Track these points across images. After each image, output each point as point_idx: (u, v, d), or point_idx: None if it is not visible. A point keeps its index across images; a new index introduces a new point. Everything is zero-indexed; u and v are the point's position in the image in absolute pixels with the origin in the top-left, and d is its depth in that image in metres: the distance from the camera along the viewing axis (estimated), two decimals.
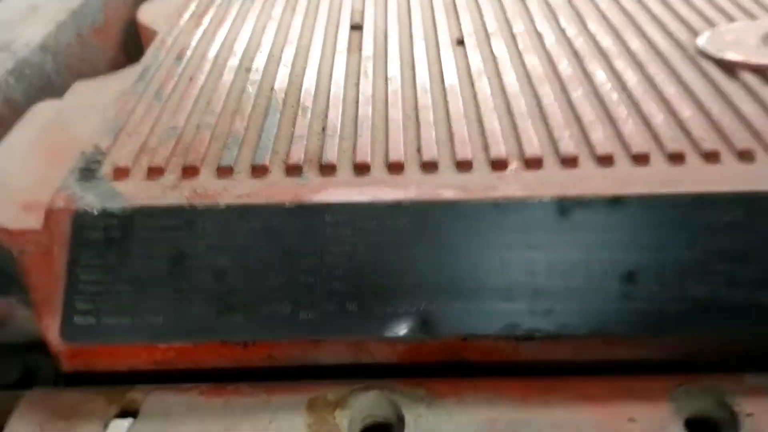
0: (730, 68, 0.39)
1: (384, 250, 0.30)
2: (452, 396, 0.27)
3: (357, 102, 0.39)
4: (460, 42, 0.45)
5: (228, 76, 0.41)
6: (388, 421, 0.27)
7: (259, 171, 0.33)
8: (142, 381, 0.30)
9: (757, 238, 0.29)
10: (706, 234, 0.30)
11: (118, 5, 0.65)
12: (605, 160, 0.32)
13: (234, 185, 0.32)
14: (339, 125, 0.36)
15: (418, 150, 0.34)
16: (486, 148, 0.34)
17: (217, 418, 0.27)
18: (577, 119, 0.35)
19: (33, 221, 0.32)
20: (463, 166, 0.33)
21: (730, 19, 0.46)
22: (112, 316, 0.30)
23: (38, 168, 0.37)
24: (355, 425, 0.27)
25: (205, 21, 0.49)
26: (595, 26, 0.45)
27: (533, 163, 0.33)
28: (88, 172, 0.34)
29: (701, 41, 0.42)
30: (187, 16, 0.51)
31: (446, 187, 0.32)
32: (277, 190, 0.32)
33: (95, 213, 0.31)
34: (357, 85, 0.41)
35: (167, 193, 0.32)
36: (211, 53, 0.44)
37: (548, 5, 0.49)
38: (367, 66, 0.42)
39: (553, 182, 0.31)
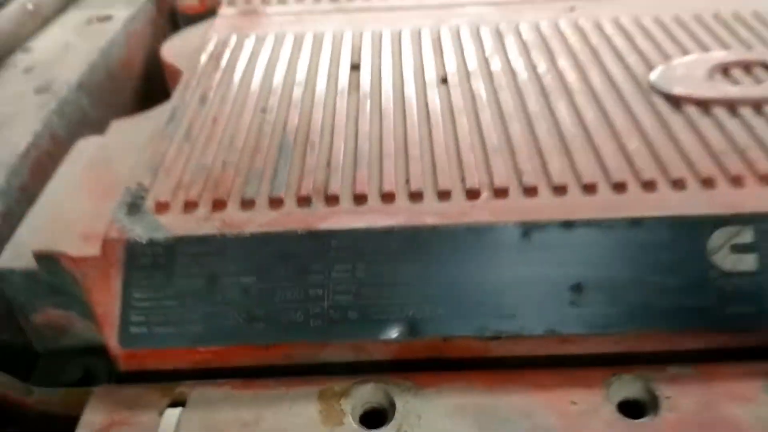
0: (676, 102, 0.45)
1: (378, 268, 0.37)
2: (434, 386, 0.34)
3: (356, 137, 0.46)
4: (444, 80, 0.51)
5: (246, 117, 0.48)
6: (383, 406, 0.34)
7: (275, 203, 0.40)
8: (184, 378, 0.37)
9: (681, 255, 0.36)
10: (640, 252, 0.36)
11: (138, 39, 0.72)
12: (560, 190, 0.39)
13: (256, 216, 0.39)
14: (341, 159, 0.43)
15: (407, 181, 0.41)
16: (462, 179, 0.41)
17: (247, 407, 0.34)
18: (539, 153, 0.42)
19: (92, 249, 0.39)
20: (443, 195, 0.40)
21: (685, 52, 0.52)
22: (160, 326, 0.37)
23: (89, 202, 0.44)
24: (357, 411, 0.34)
25: (222, 62, 0.56)
26: (563, 62, 0.52)
27: (501, 193, 0.39)
28: (134, 206, 0.41)
29: (653, 76, 0.48)
30: (205, 56, 0.58)
31: (429, 214, 0.39)
32: (291, 219, 0.39)
33: (143, 242, 0.38)
34: (356, 121, 0.47)
35: (201, 224, 0.39)
36: (231, 95, 0.51)
37: (523, 42, 0.55)
38: (365, 104, 0.49)
39: (516, 209, 0.38)
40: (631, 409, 0.33)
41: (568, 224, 0.37)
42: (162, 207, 0.40)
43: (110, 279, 0.38)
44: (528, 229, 0.37)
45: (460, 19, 0.61)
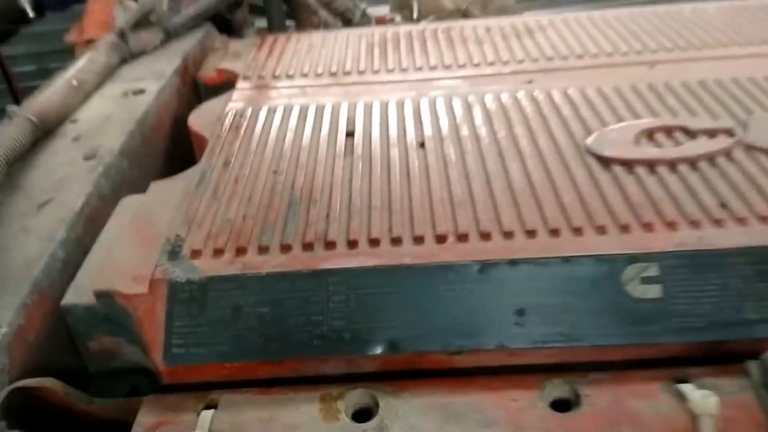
0: (606, 162, 0.56)
1: (366, 299, 0.47)
2: (409, 390, 0.44)
3: (350, 193, 0.56)
4: (422, 144, 0.63)
5: (261, 178, 0.59)
6: (369, 406, 0.44)
7: (285, 248, 0.51)
8: (215, 388, 0.47)
9: (601, 285, 0.46)
10: (569, 283, 0.46)
11: (167, 107, 0.84)
12: (509, 235, 0.49)
13: (270, 259, 0.50)
14: (338, 212, 0.54)
15: (390, 229, 0.52)
16: (433, 227, 0.51)
17: (265, 408, 0.44)
18: (494, 205, 0.53)
19: (141, 288, 0.50)
20: (418, 240, 0.50)
21: (620, 119, 0.63)
22: (196, 347, 0.47)
23: (135, 250, 0.55)
24: (349, 410, 0.43)
25: (241, 132, 0.68)
26: (518, 129, 0.63)
27: (463, 238, 0.50)
28: (174, 253, 0.51)
29: (589, 140, 0.59)
30: (226, 126, 0.69)
31: (406, 255, 0.49)
32: (298, 261, 0.50)
33: (182, 282, 0.49)
34: (350, 180, 0.58)
35: (227, 266, 0.50)
36: (248, 159, 0.62)
37: (487, 111, 0.67)
38: (357, 165, 0.60)
39: (475, 251, 0.49)
40: (560, 405, 0.42)
41: (514, 262, 0.47)
42: (196, 253, 0.51)
43: (156, 311, 0.49)
44: (483, 266, 0.48)
45: (436, 91, 0.73)
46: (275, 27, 1.02)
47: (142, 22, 0.93)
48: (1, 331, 0.47)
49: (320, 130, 0.67)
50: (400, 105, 0.70)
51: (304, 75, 0.82)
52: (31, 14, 1.15)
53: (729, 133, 0.59)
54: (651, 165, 0.55)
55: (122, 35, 0.88)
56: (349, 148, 0.63)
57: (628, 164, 0.56)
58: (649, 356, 0.45)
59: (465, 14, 1.26)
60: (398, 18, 1.30)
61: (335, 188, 0.57)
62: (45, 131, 0.71)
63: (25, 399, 0.46)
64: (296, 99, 0.75)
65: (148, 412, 0.45)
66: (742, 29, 0.80)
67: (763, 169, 0.54)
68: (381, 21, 1.28)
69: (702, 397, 0.40)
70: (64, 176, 0.65)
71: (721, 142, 0.57)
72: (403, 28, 0.94)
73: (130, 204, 0.62)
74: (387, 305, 0.47)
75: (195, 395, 0.46)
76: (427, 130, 0.65)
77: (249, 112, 0.72)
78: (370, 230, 0.52)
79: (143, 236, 0.56)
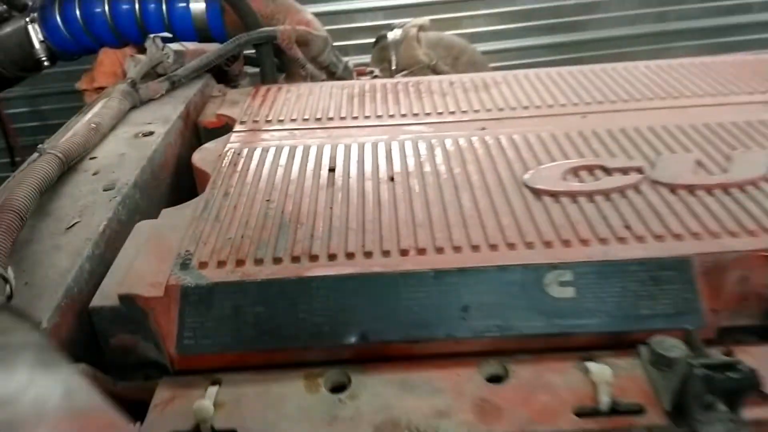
0: (538, 194, 0.70)
1: (343, 300, 0.59)
2: (376, 370, 0.55)
3: (331, 218, 0.69)
4: (392, 179, 0.75)
5: (256, 205, 0.71)
6: (344, 382, 0.55)
7: (277, 260, 0.62)
8: (218, 373, 0.57)
9: (529, 288, 0.58)
10: (504, 286, 0.59)
11: (172, 147, 0.96)
12: (458, 249, 0.62)
13: (264, 269, 0.61)
14: (320, 232, 0.66)
15: (363, 245, 0.64)
16: (398, 243, 0.63)
17: (260, 384, 0.55)
18: (448, 226, 0.65)
19: (158, 292, 0.60)
20: (386, 253, 0.62)
21: (552, 159, 0.77)
22: (203, 338, 0.58)
23: (151, 263, 0.65)
24: (327, 384, 0.54)
25: (238, 167, 0.80)
26: (470, 167, 0.76)
27: (421, 251, 0.62)
28: (185, 265, 0.63)
29: (526, 176, 0.73)
30: (225, 163, 0.82)
31: (376, 265, 0.61)
32: (287, 270, 0.61)
33: (192, 286, 0.60)
34: (331, 208, 0.71)
35: (229, 275, 0.61)
36: (245, 190, 0.75)
37: (446, 153, 0.80)
38: (337, 195, 0.73)
39: (431, 262, 0.61)
40: (493, 379, 0.54)
41: (461, 270, 0.60)
42: (203, 265, 0.62)
43: (170, 311, 0.60)
44: (437, 273, 0.60)
45: (405, 135, 0.86)
46: (268, 78, 1.16)
47: (150, 73, 1.06)
48: (42, 327, 0.58)
49: (306, 166, 0.79)
50: (375, 146, 0.83)
51: (293, 120, 0.95)
52: (46, 63, 1.27)
53: (639, 170, 0.72)
54: (573, 196, 0.69)
55: (133, 85, 1.01)
56: (331, 181, 0.76)
57: (555, 195, 0.69)
58: (564, 344, 0.57)
59: (434, 69, 1.42)
60: (377, 71, 1.46)
61: (318, 213, 0.69)
62: (69, 166, 0.82)
63: None
64: (286, 141, 0.88)
65: (164, 390, 0.55)
66: (661, 85, 0.96)
67: (663, 199, 0.67)
68: (361, 72, 1.43)
69: (599, 369, 0.52)
70: (88, 204, 0.76)
71: (632, 178, 0.71)
72: (379, 81, 1.08)
73: (143, 227, 0.73)
74: (359, 305, 0.59)
75: (203, 376, 0.57)
76: (396, 167, 0.78)
77: (245, 151, 0.85)
78: (347, 246, 0.64)
79: (158, 252, 0.67)
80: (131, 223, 0.75)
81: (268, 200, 0.73)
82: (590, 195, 0.69)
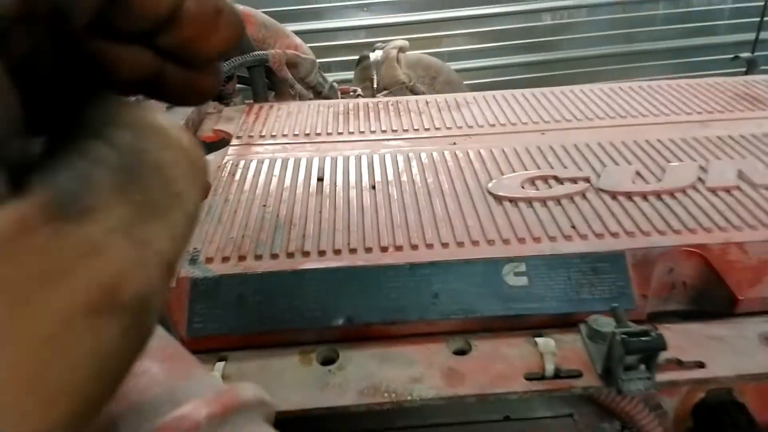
0: (499, 200, 0.81)
1: (332, 288, 0.69)
2: (360, 347, 0.65)
3: (320, 221, 0.79)
4: (373, 187, 0.86)
5: (254, 210, 0.81)
6: (333, 357, 0.64)
7: (274, 256, 0.72)
8: (225, 351, 0.67)
9: (489, 277, 0.69)
10: (468, 276, 0.69)
11: None
12: (430, 246, 0.72)
13: (263, 264, 0.71)
14: (311, 233, 0.76)
15: (348, 243, 0.74)
16: (379, 241, 0.74)
17: (261, 359, 0.64)
18: (422, 227, 0.76)
19: (170, 284, 0.70)
20: (368, 250, 0.72)
21: (513, 170, 0.88)
22: (211, 323, 0.68)
23: None
24: (319, 358, 0.64)
25: (236, 177, 0.90)
26: (442, 176, 0.87)
27: (399, 248, 0.72)
28: (193, 260, 0.72)
29: (490, 185, 0.84)
30: (225, 173, 0.92)
31: (360, 260, 0.71)
32: (283, 264, 0.71)
33: (201, 278, 0.69)
34: (320, 212, 0.81)
35: (232, 268, 0.71)
36: (243, 197, 0.84)
37: (422, 165, 0.91)
38: (326, 202, 0.83)
39: (406, 257, 0.71)
40: (459, 352, 0.64)
41: (432, 263, 0.70)
42: (209, 260, 0.72)
43: (182, 299, 0.69)
44: (412, 266, 0.70)
45: (385, 149, 0.97)
46: (260, 97, 1.26)
47: None
48: None
49: (298, 176, 0.90)
50: (358, 158, 0.94)
51: (285, 135, 1.05)
52: None
53: (586, 180, 0.84)
54: (529, 201, 0.80)
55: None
56: (320, 189, 0.86)
57: (514, 201, 0.80)
58: (518, 324, 0.68)
59: (412, 90, 1.54)
60: (359, 89, 1.57)
61: (309, 217, 0.79)
62: None
63: None
64: (278, 153, 0.98)
65: None
66: (611, 105, 1.08)
67: (605, 204, 0.79)
68: (345, 92, 1.54)
69: (545, 342, 0.63)
70: None
71: (580, 186, 0.82)
72: (362, 101, 1.19)
73: None
74: (345, 293, 0.69)
75: (211, 355, 0.66)
76: (377, 177, 0.88)
77: (242, 163, 0.95)
78: (335, 244, 0.74)
79: None
80: None
81: (264, 205, 0.82)
82: (543, 200, 0.80)
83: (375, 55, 1.79)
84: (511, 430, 0.64)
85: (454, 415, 0.66)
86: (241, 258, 0.72)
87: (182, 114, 1.16)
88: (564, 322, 0.67)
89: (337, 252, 0.72)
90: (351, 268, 0.70)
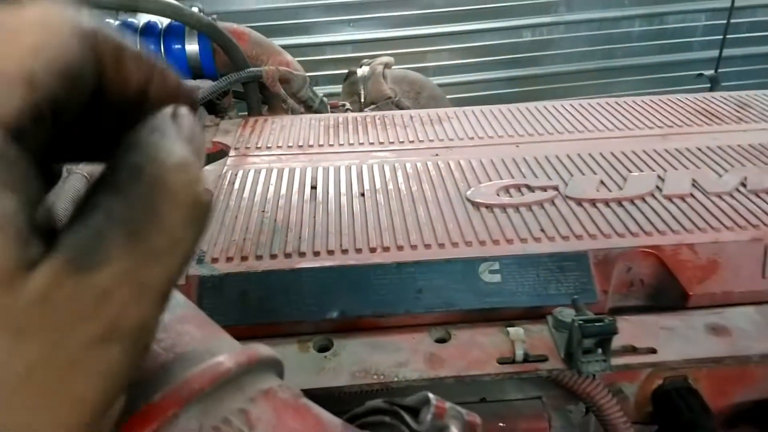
0: (477, 206, 0.89)
1: (326, 285, 0.76)
2: (352, 336, 0.73)
3: (314, 225, 0.86)
4: (362, 194, 0.94)
5: (254, 215, 0.89)
6: (328, 345, 0.72)
7: (273, 256, 0.79)
8: None
9: (467, 275, 0.77)
10: (449, 274, 0.77)
11: None
12: (414, 247, 0.80)
13: (263, 263, 0.78)
14: (307, 236, 0.84)
15: (340, 245, 0.81)
16: (368, 243, 0.81)
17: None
18: (407, 230, 0.83)
19: (181, 282, 0.77)
20: (359, 251, 0.80)
21: (489, 179, 0.97)
22: (217, 317, 0.74)
23: None
24: (315, 346, 0.71)
25: (236, 186, 0.98)
26: (425, 185, 0.95)
27: (386, 249, 0.80)
28: (200, 260, 0.79)
29: (468, 193, 0.92)
30: (225, 182, 0.99)
31: (351, 259, 0.79)
32: (281, 263, 0.78)
33: (208, 276, 0.77)
34: (314, 217, 0.88)
35: (235, 267, 0.78)
36: (243, 204, 0.92)
37: (406, 174, 0.99)
38: (319, 208, 0.91)
39: (394, 257, 0.79)
40: (439, 340, 0.72)
41: (417, 262, 0.78)
42: (215, 260, 0.79)
43: (190, 295, 0.76)
44: (398, 265, 0.78)
45: (373, 159, 1.05)
46: (254, 111, 1.34)
47: None
48: None
49: (293, 184, 0.97)
50: (348, 168, 1.02)
51: (279, 147, 1.13)
52: None
53: (555, 188, 0.93)
54: (503, 207, 0.88)
55: None
56: (313, 197, 0.94)
57: (490, 207, 0.88)
58: (493, 316, 0.76)
59: (397, 105, 1.62)
60: (348, 105, 1.65)
61: (304, 221, 0.87)
62: None
63: None
64: (274, 164, 1.05)
65: None
66: (580, 120, 1.18)
67: (571, 210, 0.87)
68: (335, 106, 1.62)
69: (516, 331, 0.71)
70: None
71: (549, 194, 0.91)
72: (351, 115, 1.28)
73: None
74: (339, 289, 0.76)
75: None
76: (366, 185, 0.96)
77: (240, 172, 1.02)
78: (328, 245, 0.81)
79: None
80: None
81: (263, 211, 0.90)
82: (516, 207, 0.88)
83: (362, 71, 1.88)
84: (486, 410, 0.72)
85: None
86: (244, 258, 0.79)
87: None
88: (533, 315, 0.76)
89: (331, 252, 0.80)
90: (343, 266, 0.78)
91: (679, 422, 0.73)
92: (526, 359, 0.69)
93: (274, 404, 0.35)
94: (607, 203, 0.88)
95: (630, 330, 0.73)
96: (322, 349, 0.72)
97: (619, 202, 0.88)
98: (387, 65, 1.93)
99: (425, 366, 0.68)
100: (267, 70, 1.30)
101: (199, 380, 0.32)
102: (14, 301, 0.20)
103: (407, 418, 0.38)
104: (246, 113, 1.39)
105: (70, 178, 0.95)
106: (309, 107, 1.42)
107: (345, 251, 0.80)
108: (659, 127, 1.15)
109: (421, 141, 1.13)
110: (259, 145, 1.13)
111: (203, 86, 1.29)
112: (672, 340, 0.71)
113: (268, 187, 0.97)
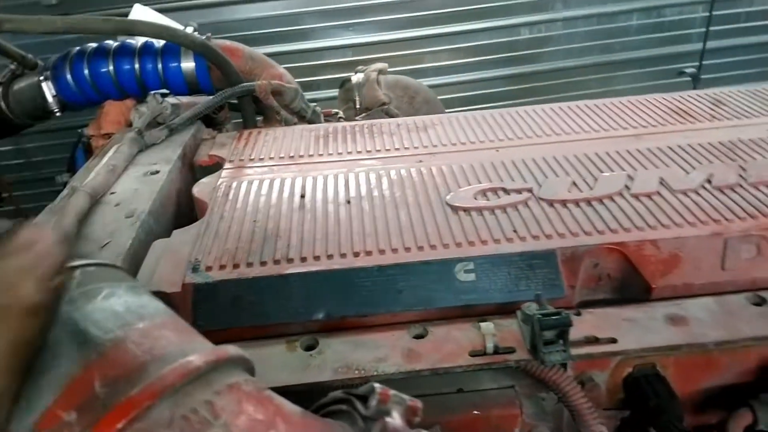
0: (455, 210, 0.95)
1: (313, 288, 0.82)
2: (337, 336, 0.79)
3: (303, 232, 0.92)
4: (348, 201, 1.00)
5: (246, 225, 0.95)
6: (314, 344, 0.78)
7: (263, 263, 0.86)
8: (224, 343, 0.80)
9: (444, 275, 0.83)
10: (427, 274, 0.83)
11: (174, 182, 1.19)
12: (395, 251, 0.86)
13: (254, 270, 0.85)
14: (295, 243, 0.90)
15: (326, 250, 0.87)
16: (352, 248, 0.87)
17: (254, 348, 0.77)
18: (388, 234, 0.89)
19: (177, 289, 0.83)
20: (343, 255, 0.86)
21: (468, 183, 1.02)
22: (212, 320, 0.81)
23: (170, 268, 0.88)
24: (302, 346, 0.77)
25: (230, 196, 1.04)
26: (408, 191, 1.01)
27: (369, 253, 0.86)
28: (195, 268, 0.85)
29: (448, 197, 0.98)
30: (220, 193, 1.05)
31: (336, 264, 0.85)
32: (271, 269, 0.84)
33: (202, 283, 0.83)
34: (303, 224, 0.94)
35: (228, 275, 0.84)
36: (236, 214, 0.98)
37: (391, 181, 1.05)
38: (307, 216, 0.97)
39: (376, 260, 0.85)
40: (418, 336, 0.78)
41: (397, 265, 0.84)
42: (209, 268, 0.85)
43: (186, 301, 0.82)
44: (380, 268, 0.84)
45: (360, 168, 1.11)
46: (249, 124, 1.40)
47: (152, 122, 1.29)
48: None
49: (283, 194, 1.03)
50: (336, 177, 1.08)
51: (271, 158, 1.19)
52: (58, 114, 1.50)
53: (529, 190, 0.98)
54: (480, 210, 0.94)
55: (140, 133, 1.24)
56: (302, 205, 1.00)
57: (467, 210, 0.94)
58: (468, 312, 0.81)
59: (387, 113, 1.68)
60: (341, 112, 1.72)
61: (293, 229, 0.93)
62: (96, 200, 1.05)
63: None
64: (266, 175, 1.12)
65: None
66: (557, 123, 1.23)
67: (543, 211, 0.93)
68: (328, 114, 1.68)
69: (487, 325, 0.76)
70: (114, 228, 0.98)
71: (523, 196, 0.96)
72: (341, 124, 1.34)
73: (159, 244, 0.96)
74: (324, 291, 0.82)
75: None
76: (352, 193, 1.02)
77: (234, 184, 1.09)
78: (315, 251, 0.87)
79: (174, 261, 0.90)
80: (148, 242, 0.98)
81: (254, 221, 0.96)
82: (492, 209, 0.94)
83: (356, 78, 1.94)
84: (462, 400, 0.78)
85: (415, 389, 0.79)
86: (236, 266, 0.85)
87: (180, 141, 1.30)
88: (505, 310, 0.81)
89: (317, 258, 0.86)
90: (328, 271, 0.84)
91: (647, 408, 0.78)
92: (496, 351, 0.74)
93: (238, 396, 0.41)
94: (577, 203, 0.94)
95: (594, 322, 0.78)
96: (309, 348, 0.78)
97: (589, 202, 0.94)
98: (381, 71, 1.98)
99: (403, 360, 0.74)
100: (259, 84, 1.37)
101: (171, 376, 0.39)
102: None
103: (358, 405, 0.44)
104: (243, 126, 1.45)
105: (75, 196, 1.01)
106: (302, 117, 1.49)
107: (330, 256, 0.86)
108: (634, 127, 1.19)
109: (406, 148, 1.19)
110: (252, 157, 1.20)
111: (200, 101, 1.36)
112: (632, 331, 0.77)
113: (260, 198, 1.03)
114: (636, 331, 0.77)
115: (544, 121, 1.25)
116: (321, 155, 1.19)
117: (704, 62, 3.11)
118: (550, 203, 0.94)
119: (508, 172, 1.05)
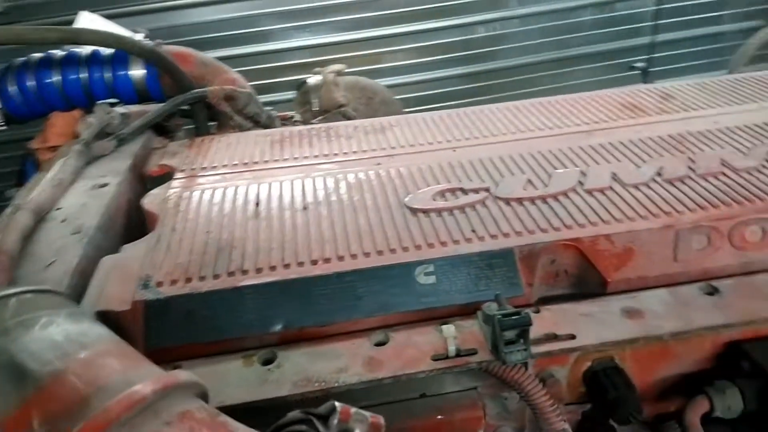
0: (414, 212, 0.94)
1: (269, 299, 0.80)
2: (296, 348, 0.77)
3: (258, 242, 0.90)
4: (305, 208, 0.98)
5: (198, 236, 0.92)
6: (271, 358, 0.76)
7: (216, 276, 0.83)
8: (178, 360, 0.77)
9: (405, 278, 0.82)
10: (389, 278, 0.82)
11: (124, 194, 1.15)
12: (354, 256, 0.84)
13: (206, 284, 0.82)
14: (250, 253, 0.87)
15: (282, 259, 0.85)
16: (310, 255, 0.86)
17: (210, 365, 0.75)
18: (347, 240, 0.88)
19: (126, 307, 0.80)
20: (300, 264, 0.84)
21: (427, 185, 1.02)
22: (164, 337, 0.78)
23: (119, 285, 0.85)
24: (260, 360, 0.75)
25: (181, 207, 1.01)
26: (366, 194, 1.00)
27: (327, 260, 0.84)
28: (146, 285, 0.82)
29: (407, 199, 0.97)
30: (170, 204, 1.02)
31: (293, 273, 0.83)
32: (224, 282, 0.82)
33: (153, 299, 0.80)
34: (258, 233, 0.92)
35: (180, 290, 0.81)
36: (188, 225, 0.95)
37: (349, 185, 1.04)
38: (262, 224, 0.94)
39: (335, 267, 0.83)
40: (379, 343, 0.77)
41: (356, 271, 0.82)
42: (159, 284, 0.82)
43: (137, 319, 0.79)
44: (338, 275, 0.82)
45: (317, 172, 1.09)
46: (202, 131, 1.37)
47: (100, 133, 1.25)
48: None
49: (236, 203, 1.01)
50: (292, 183, 1.06)
51: (225, 166, 1.16)
52: (3, 127, 1.43)
53: (486, 190, 0.98)
54: (438, 211, 0.93)
55: (87, 144, 1.20)
56: (257, 213, 0.97)
57: (426, 212, 0.93)
58: (429, 315, 0.81)
59: (344, 115, 1.67)
60: (297, 115, 1.69)
61: (248, 238, 0.91)
62: (42, 216, 1.00)
63: None
64: (219, 183, 1.09)
65: None
66: (513, 122, 1.23)
67: (500, 210, 0.93)
68: (284, 118, 1.66)
69: (448, 328, 0.76)
70: (61, 246, 0.94)
71: (480, 196, 0.96)
72: (297, 128, 1.32)
73: (108, 260, 0.92)
74: (281, 302, 0.80)
75: (166, 365, 0.76)
76: (309, 198, 1.00)
77: (186, 194, 1.05)
78: (270, 261, 0.85)
79: (123, 277, 0.86)
80: (97, 258, 0.94)
81: (207, 232, 0.93)
82: (450, 210, 0.93)
83: (313, 80, 1.92)
84: (425, 405, 0.77)
85: (379, 397, 0.78)
86: (188, 280, 0.83)
87: (129, 152, 1.25)
88: (467, 311, 0.81)
89: (273, 268, 0.84)
90: (285, 281, 0.82)
91: (606, 400, 0.79)
92: (458, 354, 0.74)
93: (190, 425, 0.39)
94: (533, 201, 0.94)
95: (552, 318, 0.78)
96: (266, 362, 0.76)
97: (544, 199, 0.94)
98: (338, 72, 1.96)
99: (364, 369, 0.73)
100: (211, 90, 1.33)
101: (116, 409, 0.36)
102: None
103: (318, 425, 0.42)
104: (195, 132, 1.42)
105: (19, 213, 0.97)
106: (256, 122, 1.46)
107: (287, 266, 0.84)
108: (585, 123, 1.21)
109: (364, 151, 1.18)
110: (204, 165, 1.16)
111: (150, 110, 1.31)
112: (590, 326, 0.77)
113: (213, 207, 1.00)
114: (593, 325, 0.77)
115: (500, 119, 1.26)
116: (276, 161, 1.17)
117: (655, 55, 3.20)
118: (507, 202, 0.94)
119: (465, 172, 1.05)
